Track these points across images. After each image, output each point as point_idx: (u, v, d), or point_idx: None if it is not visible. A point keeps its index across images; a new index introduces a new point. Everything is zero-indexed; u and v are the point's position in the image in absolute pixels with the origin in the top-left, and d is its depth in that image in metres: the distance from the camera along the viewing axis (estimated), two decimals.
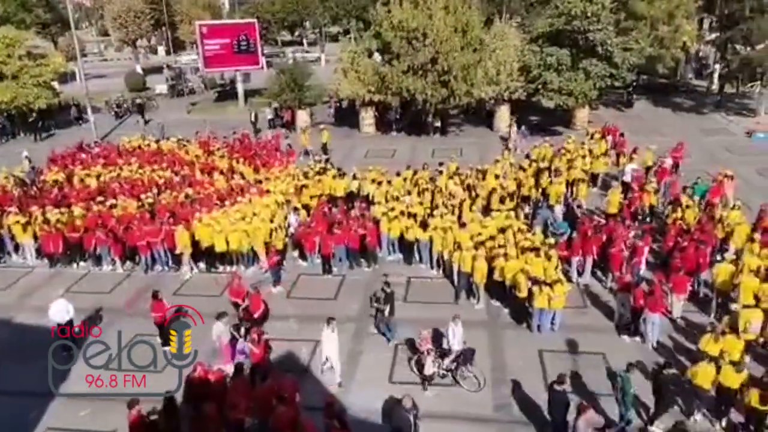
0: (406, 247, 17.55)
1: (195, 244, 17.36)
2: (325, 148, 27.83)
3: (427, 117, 31.78)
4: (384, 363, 13.08)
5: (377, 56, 32.82)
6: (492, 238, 15.71)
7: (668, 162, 21.95)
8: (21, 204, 20.19)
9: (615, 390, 10.79)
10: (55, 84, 38.42)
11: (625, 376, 10.54)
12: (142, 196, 20.17)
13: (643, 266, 15.45)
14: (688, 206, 17.36)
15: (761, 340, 12.82)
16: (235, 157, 24.79)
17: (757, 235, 15.16)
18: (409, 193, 19.49)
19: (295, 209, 19.13)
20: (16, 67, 34.43)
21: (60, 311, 13.48)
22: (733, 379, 10.57)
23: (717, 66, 38.62)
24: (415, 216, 17.37)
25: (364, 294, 15.62)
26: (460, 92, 29.61)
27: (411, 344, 13.18)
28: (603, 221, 17.66)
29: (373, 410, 11.61)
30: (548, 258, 14.63)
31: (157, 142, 27.99)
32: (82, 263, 18.26)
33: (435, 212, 17.42)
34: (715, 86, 38.64)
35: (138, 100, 41.12)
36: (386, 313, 13.65)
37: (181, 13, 62.96)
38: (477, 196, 19.31)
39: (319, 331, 13.99)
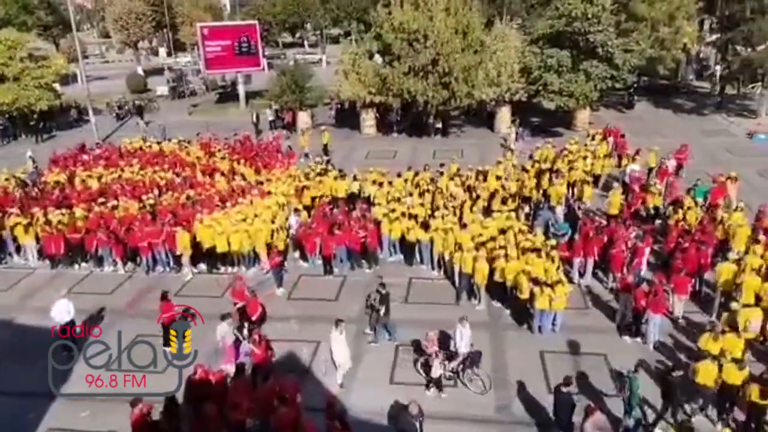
0: (407, 248, 17.55)
1: (196, 245, 17.38)
2: (326, 150, 27.86)
3: (428, 118, 31.80)
4: (385, 364, 13.07)
5: (378, 58, 32.87)
6: (493, 239, 15.71)
7: (671, 163, 21.96)
8: (22, 205, 20.22)
9: (622, 390, 10.78)
10: (57, 86, 38.47)
11: (632, 376, 10.55)
12: (144, 197, 20.19)
13: (644, 267, 15.44)
14: (689, 207, 17.36)
15: (761, 338, 12.86)
16: (236, 159, 24.81)
17: (762, 237, 15.14)
18: (411, 194, 19.49)
19: (296, 210, 19.14)
20: (17, 69, 34.50)
21: (61, 311, 13.51)
22: (735, 377, 10.63)
23: (718, 67, 38.64)
24: (416, 217, 17.37)
25: (365, 295, 15.53)
26: (461, 94, 29.64)
27: (416, 346, 13.17)
28: (604, 222, 17.65)
29: (374, 411, 11.61)
30: (550, 259, 14.62)
31: (158, 143, 28.02)
32: (83, 264, 18.29)
33: (436, 213, 17.42)
34: (716, 87, 38.64)
35: (137, 102, 41.18)
36: (382, 314, 13.66)
37: (182, 15, 63.04)
38: (478, 197, 19.31)
39: (319, 332, 14.11)
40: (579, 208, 19.17)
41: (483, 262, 14.69)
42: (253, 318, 13.57)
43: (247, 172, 23.10)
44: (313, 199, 20.44)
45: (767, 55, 31.20)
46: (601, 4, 28.46)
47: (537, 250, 14.77)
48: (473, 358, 12.14)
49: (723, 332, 11.73)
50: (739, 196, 19.12)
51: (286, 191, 20.26)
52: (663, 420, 10.85)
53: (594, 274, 16.20)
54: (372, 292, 14.02)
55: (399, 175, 21.00)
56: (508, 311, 14.80)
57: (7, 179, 23.21)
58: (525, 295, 13.86)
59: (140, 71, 55.75)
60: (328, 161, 24.38)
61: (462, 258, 15.04)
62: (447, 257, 16.17)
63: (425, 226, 17.02)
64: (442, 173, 21.25)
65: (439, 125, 31.99)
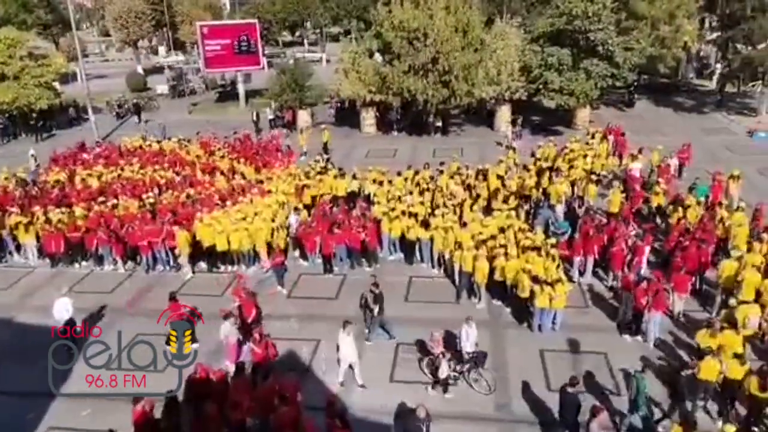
0: (407, 247, 17.54)
1: (196, 243, 17.38)
2: (326, 148, 27.85)
3: (428, 117, 31.80)
4: (385, 363, 13.06)
5: (378, 56, 32.84)
6: (493, 237, 15.70)
7: (673, 162, 21.94)
8: (23, 204, 20.22)
9: (629, 389, 10.76)
10: (57, 84, 38.47)
11: (639, 376, 10.55)
12: (144, 196, 20.19)
13: (644, 266, 15.43)
14: (689, 206, 17.35)
15: (761, 334, 12.92)
16: (235, 157, 24.81)
17: (765, 235, 15.13)
18: (411, 193, 19.48)
19: (296, 209, 19.14)
20: (17, 68, 34.49)
21: (60, 309, 13.57)
22: (737, 372, 10.74)
23: (718, 65, 38.62)
24: (416, 216, 17.37)
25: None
26: (461, 92, 29.62)
27: (420, 345, 13.16)
28: (604, 221, 17.64)
29: (374, 409, 11.61)
30: (550, 257, 14.60)
31: (158, 142, 28.01)
32: (83, 263, 18.29)
33: (436, 212, 17.41)
34: (716, 86, 38.61)
35: (134, 100, 41.18)
36: (375, 313, 13.68)
37: (182, 14, 63.00)
38: (478, 196, 19.29)
39: (319, 331, 14.16)
40: (579, 206, 19.16)
41: (483, 261, 14.69)
42: (249, 319, 13.55)
43: (247, 171, 23.09)
44: (314, 197, 20.44)
45: (767, 53, 31.17)
46: (601, 2, 28.44)
47: (537, 249, 14.77)
48: (478, 359, 12.10)
49: (722, 329, 11.78)
50: (741, 194, 19.09)
51: (287, 190, 20.26)
52: (668, 418, 10.82)
53: (594, 273, 16.20)
54: (366, 291, 14.04)
55: (399, 174, 20.99)
56: (508, 310, 14.80)
57: (6, 178, 23.20)
58: (525, 294, 13.85)
59: (140, 70, 55.74)
60: (328, 160, 24.36)
61: (462, 256, 15.04)
62: (447, 256, 16.17)
63: (425, 224, 17.01)
64: (442, 172, 21.24)
65: (439, 124, 32.00)
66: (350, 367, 12.31)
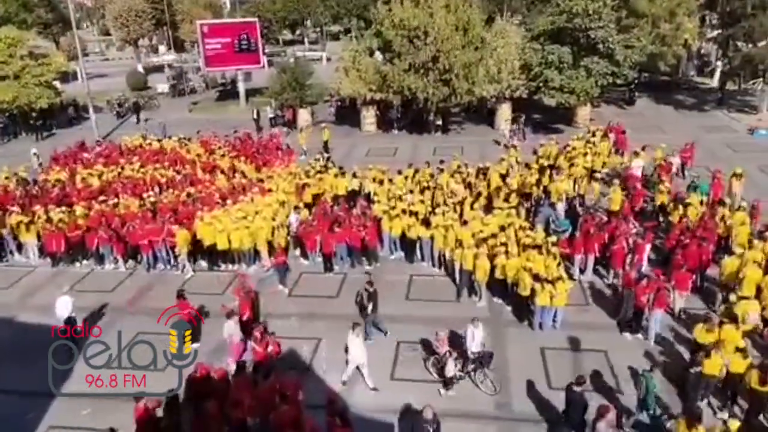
0: (407, 246, 17.54)
1: (197, 242, 17.39)
2: (326, 147, 27.84)
3: (428, 115, 31.77)
4: (385, 361, 13.06)
5: (378, 55, 32.81)
6: (494, 235, 15.69)
7: (675, 160, 21.91)
8: (23, 203, 20.23)
9: (637, 388, 10.74)
10: (57, 84, 38.48)
11: (648, 375, 10.55)
12: (144, 195, 20.19)
13: (645, 263, 15.43)
14: (690, 204, 17.34)
15: (760, 329, 12.97)
16: (235, 156, 24.82)
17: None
18: (411, 191, 19.47)
19: (296, 208, 19.14)
20: (17, 67, 34.50)
21: (60, 307, 13.62)
22: (739, 366, 10.84)
23: (719, 63, 38.55)
24: (416, 214, 17.36)
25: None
26: (462, 91, 29.60)
27: (425, 344, 13.17)
28: (605, 219, 17.63)
29: (375, 408, 11.62)
30: (551, 255, 14.59)
31: (159, 141, 28.02)
32: (84, 262, 18.30)
33: (436, 210, 17.41)
34: (716, 83, 38.55)
35: (133, 99, 41.17)
36: (369, 311, 13.70)
37: (182, 13, 63.02)
38: (480, 194, 19.28)
39: (320, 329, 14.18)
40: (580, 204, 19.14)
41: (484, 259, 14.68)
42: (244, 318, 13.54)
43: (248, 170, 23.09)
44: (314, 196, 20.44)
45: None
46: (602, 0, 28.38)
47: (538, 247, 14.76)
48: (484, 359, 12.05)
49: (721, 324, 11.85)
50: (742, 192, 19.08)
51: (287, 189, 20.26)
52: (675, 418, 10.81)
53: (595, 271, 16.20)
54: (360, 289, 14.07)
55: (399, 173, 20.98)
56: (508, 308, 14.80)
57: (7, 177, 23.21)
58: (526, 292, 13.85)
59: (140, 69, 55.72)
60: (328, 158, 24.36)
61: (463, 255, 15.04)
62: (448, 254, 16.16)
63: (426, 223, 17.01)
64: (442, 170, 21.23)
65: (440, 122, 31.97)
66: (358, 369, 12.24)
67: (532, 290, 13.63)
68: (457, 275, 15.61)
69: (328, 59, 56.90)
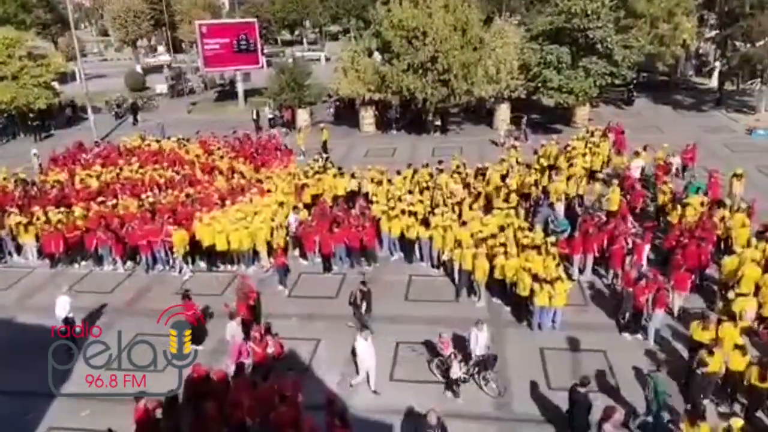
0: (406, 246, 17.54)
1: (196, 243, 17.38)
2: (325, 147, 27.85)
3: (427, 116, 31.79)
4: (384, 361, 13.03)
5: (377, 55, 32.84)
6: (493, 236, 15.70)
7: (676, 160, 21.89)
8: (22, 204, 20.22)
9: (645, 390, 10.68)
10: (56, 84, 38.47)
11: (654, 375, 10.54)
12: (143, 196, 20.18)
13: (644, 264, 15.44)
14: (688, 204, 17.36)
15: (756, 326, 13.03)
16: (234, 156, 24.82)
17: None
18: (410, 192, 19.47)
19: (295, 208, 19.15)
20: (16, 68, 34.50)
21: (58, 307, 13.65)
22: (739, 363, 10.89)
23: (717, 63, 38.56)
24: (415, 214, 17.36)
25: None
26: (460, 91, 29.63)
27: (429, 346, 13.15)
28: (604, 219, 17.63)
29: (374, 408, 11.62)
30: (550, 256, 14.59)
31: (157, 141, 28.01)
32: (83, 263, 18.29)
33: (436, 210, 17.41)
34: (715, 83, 38.59)
35: (130, 100, 41.13)
36: (363, 311, 13.71)
37: (180, 13, 63.05)
38: (480, 194, 19.28)
39: (319, 330, 14.20)
40: (579, 205, 19.14)
41: (483, 259, 14.69)
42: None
43: (246, 171, 23.09)
44: (313, 197, 20.44)
45: (766, 51, 31.15)
46: (600, 0, 28.41)
47: (536, 247, 14.77)
48: (489, 361, 11.98)
49: (719, 321, 11.93)
50: (744, 192, 19.09)
51: (286, 189, 20.26)
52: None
53: (594, 271, 16.21)
54: (354, 289, 14.11)
55: (398, 173, 20.99)
56: (507, 308, 14.80)
57: (5, 178, 23.20)
58: (525, 292, 13.86)
59: (139, 69, 55.71)
60: (327, 159, 24.36)
61: (462, 255, 15.04)
62: (446, 255, 16.15)
63: (425, 223, 17.02)
64: (441, 170, 21.23)
65: (439, 122, 31.99)
66: (356, 366, 12.24)
67: (531, 290, 13.63)
68: (456, 275, 15.61)
69: (327, 59, 56.95)
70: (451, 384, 11.79)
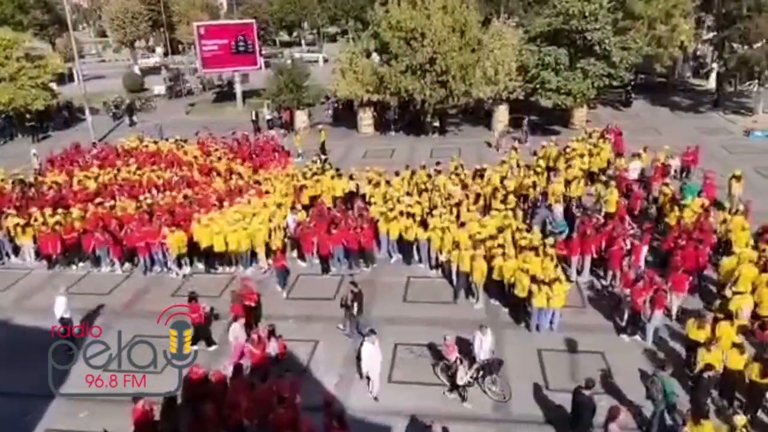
0: (405, 247, 17.53)
1: (194, 244, 17.36)
2: (323, 149, 27.84)
3: (425, 117, 31.80)
4: (383, 363, 12.94)
5: (375, 56, 32.86)
6: (492, 237, 15.70)
7: (674, 163, 21.90)
8: (19, 205, 20.18)
9: (654, 391, 10.62)
10: (53, 85, 38.41)
11: (660, 375, 10.52)
12: (141, 197, 20.15)
13: (642, 265, 15.45)
14: (686, 205, 17.39)
15: (752, 325, 13.01)
16: (232, 158, 24.80)
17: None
18: (409, 193, 19.47)
19: (293, 208, 19.14)
20: (13, 69, 34.48)
21: (56, 307, 13.66)
22: (737, 361, 10.94)
23: (715, 65, 38.63)
24: (413, 216, 17.36)
25: (364, 294, 15.53)
26: (459, 92, 29.65)
27: (433, 349, 13.13)
28: (602, 220, 17.65)
29: (372, 410, 11.62)
30: (548, 257, 14.61)
31: (155, 143, 27.98)
32: (80, 264, 18.26)
33: (434, 212, 17.42)
34: (712, 85, 38.67)
35: (127, 101, 41.09)
36: (355, 312, 13.71)
37: (179, 14, 62.95)
38: (479, 195, 19.29)
39: (317, 331, 14.18)
40: (577, 206, 19.16)
41: (481, 261, 14.69)
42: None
43: (244, 172, 23.07)
44: (312, 198, 20.43)
45: (764, 52, 31.22)
46: (598, 2, 28.44)
47: (534, 249, 14.78)
48: (494, 366, 11.90)
49: (716, 320, 12.03)
50: (743, 194, 19.13)
51: (284, 190, 20.26)
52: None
53: (591, 272, 16.22)
54: (346, 291, 14.11)
55: (397, 174, 20.99)
56: (505, 310, 14.80)
57: (2, 180, 23.16)
58: (523, 294, 13.86)
59: (137, 70, 55.64)
60: (325, 160, 24.36)
61: (460, 256, 15.04)
62: (444, 256, 16.15)
63: (423, 224, 17.02)
64: (439, 172, 21.23)
65: (437, 124, 32.01)
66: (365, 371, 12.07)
67: (530, 292, 13.64)
68: (454, 277, 15.61)
69: (326, 61, 56.94)
70: (457, 389, 11.72)
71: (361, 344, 12.13)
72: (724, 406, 11.24)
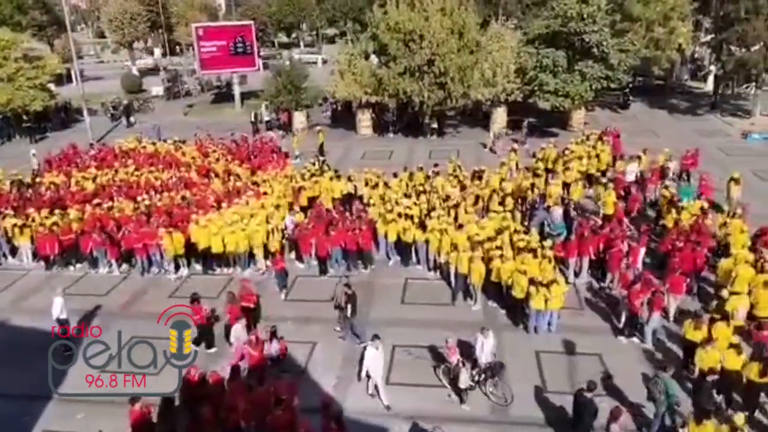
0: (403, 249, 17.53)
1: (192, 245, 17.34)
2: (321, 150, 27.85)
3: (423, 118, 31.83)
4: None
5: (374, 58, 32.89)
6: (490, 239, 15.71)
7: (673, 165, 21.93)
8: (17, 206, 20.14)
9: (656, 392, 10.60)
10: (52, 86, 38.36)
11: (662, 376, 10.52)
12: (139, 198, 20.13)
13: (639, 266, 15.47)
14: (683, 207, 17.42)
15: (748, 325, 13.03)
16: (230, 159, 24.78)
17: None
18: (407, 195, 19.47)
19: (291, 209, 19.12)
20: (12, 70, 34.42)
21: (53, 308, 13.65)
22: (734, 362, 10.95)
23: (712, 67, 38.74)
24: (412, 217, 17.36)
25: (362, 295, 15.55)
26: (457, 94, 29.70)
27: (434, 352, 13.11)
28: (599, 222, 17.68)
29: (370, 411, 11.60)
30: (546, 259, 14.61)
31: (153, 144, 27.95)
32: (78, 265, 18.23)
33: (432, 214, 17.42)
34: (710, 87, 38.76)
35: (124, 102, 41.07)
36: (348, 314, 13.70)
37: (177, 15, 62.96)
38: (478, 197, 19.30)
39: (315, 333, 14.17)
40: (574, 208, 19.18)
41: (479, 263, 14.69)
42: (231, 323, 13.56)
43: (243, 173, 23.06)
44: (310, 199, 20.42)
45: (761, 55, 31.33)
46: (596, 4, 28.53)
47: (532, 251, 14.79)
48: (495, 369, 11.87)
49: (712, 320, 12.07)
50: (742, 197, 19.16)
51: (282, 191, 20.25)
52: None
53: (589, 274, 16.23)
54: (339, 292, 14.11)
55: (395, 176, 21.00)
56: (503, 312, 14.80)
57: (0, 180, 23.11)
58: (521, 294, 13.87)
59: (135, 71, 55.61)
60: (323, 161, 24.37)
61: (458, 258, 15.04)
62: (443, 258, 16.15)
63: (422, 226, 17.02)
64: (437, 173, 21.24)
65: (435, 125, 32.04)
66: (369, 376, 11.95)
67: (527, 293, 13.64)
68: (452, 279, 15.61)
69: (324, 62, 56.98)
70: (458, 392, 11.69)
71: (365, 348, 12.06)
72: (722, 406, 11.23)
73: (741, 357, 11.02)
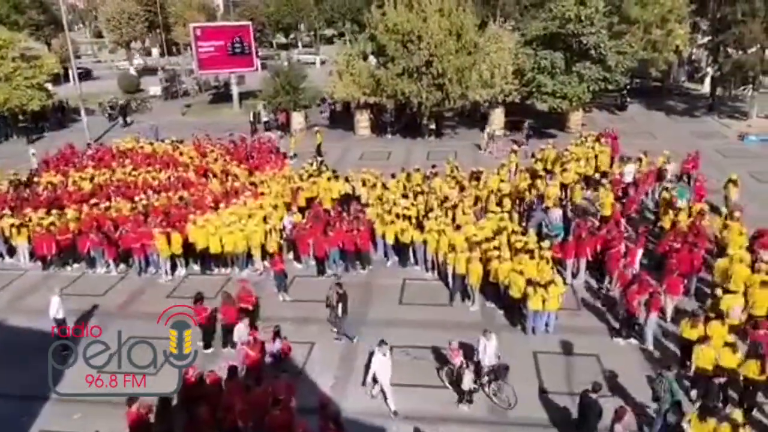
0: (401, 249, 17.54)
1: (189, 245, 17.32)
2: (319, 150, 27.85)
3: (422, 119, 31.86)
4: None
5: (372, 59, 32.91)
6: (487, 240, 15.72)
7: (670, 168, 21.98)
8: (14, 206, 20.09)
9: (661, 390, 10.57)
10: (49, 86, 38.28)
11: (667, 375, 10.50)
12: (136, 198, 20.10)
13: (636, 267, 15.50)
14: (681, 209, 17.47)
15: (743, 324, 13.11)
16: (228, 159, 24.76)
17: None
18: (405, 196, 19.49)
19: (289, 210, 19.12)
20: (9, 69, 34.31)
21: (54, 307, 13.63)
22: (730, 360, 10.99)
23: (709, 69, 38.86)
24: (409, 218, 17.37)
25: (360, 296, 15.61)
26: (455, 95, 29.74)
27: (436, 353, 13.12)
28: (597, 223, 17.70)
29: (368, 412, 11.60)
30: (544, 260, 14.63)
31: (151, 144, 27.92)
32: (75, 265, 18.20)
33: (430, 214, 17.43)
34: (707, 89, 38.87)
35: (121, 102, 41.00)
36: (339, 313, 13.70)
37: (175, 15, 62.87)
38: (477, 198, 19.31)
39: (313, 333, 14.16)
40: (572, 210, 19.21)
41: (476, 263, 14.71)
42: (227, 323, 13.58)
43: (240, 173, 23.05)
44: (308, 200, 20.42)
45: (758, 57, 31.43)
46: (594, 6, 28.60)
47: (529, 252, 14.81)
48: (498, 372, 11.81)
49: (707, 319, 12.13)
50: (740, 199, 19.21)
51: (280, 192, 20.24)
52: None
53: (587, 275, 16.26)
54: (331, 291, 14.10)
55: (393, 176, 21.00)
56: (501, 312, 14.82)
57: None
58: (518, 294, 13.88)
59: (133, 71, 55.53)
60: (321, 162, 24.37)
61: (456, 259, 15.06)
62: (441, 258, 16.17)
63: (420, 227, 17.02)
64: (435, 174, 21.26)
65: (433, 126, 32.06)
66: (374, 382, 11.83)
67: (525, 294, 13.66)
68: (450, 279, 15.62)
69: (322, 63, 56.99)
70: (462, 394, 11.66)
71: (372, 353, 11.93)
72: (718, 405, 11.27)
73: (736, 356, 11.06)
